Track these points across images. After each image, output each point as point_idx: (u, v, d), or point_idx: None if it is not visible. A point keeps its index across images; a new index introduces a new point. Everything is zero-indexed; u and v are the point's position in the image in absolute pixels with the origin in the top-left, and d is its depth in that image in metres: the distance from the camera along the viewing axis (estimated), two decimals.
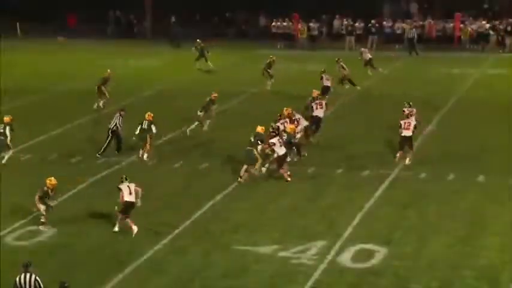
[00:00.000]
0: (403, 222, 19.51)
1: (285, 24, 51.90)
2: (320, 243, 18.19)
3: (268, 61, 36.26)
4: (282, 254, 17.75)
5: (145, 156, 24.97)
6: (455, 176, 22.93)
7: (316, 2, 53.97)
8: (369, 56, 39.00)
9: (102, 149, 25.34)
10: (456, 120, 28.83)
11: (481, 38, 48.59)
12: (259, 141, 23.08)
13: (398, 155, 24.28)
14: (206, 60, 40.36)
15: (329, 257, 17.49)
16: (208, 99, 28.08)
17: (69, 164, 24.67)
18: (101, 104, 32.02)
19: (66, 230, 19.25)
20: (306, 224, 19.51)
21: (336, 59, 35.45)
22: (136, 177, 23.05)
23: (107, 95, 32.13)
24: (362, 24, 50.35)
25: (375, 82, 36.96)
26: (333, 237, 18.55)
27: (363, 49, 40.66)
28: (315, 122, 26.49)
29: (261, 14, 55.62)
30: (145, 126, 25.00)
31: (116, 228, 19.21)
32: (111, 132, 25.40)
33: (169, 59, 45.16)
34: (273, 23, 52.36)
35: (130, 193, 19.13)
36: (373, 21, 50.43)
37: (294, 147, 24.21)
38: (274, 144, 22.83)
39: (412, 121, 24.12)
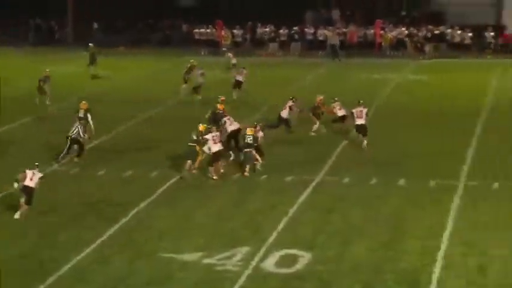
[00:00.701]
0: (326, 227, 19.75)
1: (208, 30, 52.01)
2: (245, 249, 18.27)
3: (188, 65, 36.34)
4: (207, 261, 17.76)
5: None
6: (377, 181, 23.32)
7: (239, 9, 54.28)
8: (235, 61, 40.01)
9: (62, 155, 25.21)
10: (377, 125, 29.30)
11: (400, 45, 49.58)
12: (200, 138, 23.72)
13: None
14: (91, 64, 39.99)
15: (253, 263, 17.59)
16: None
17: None
18: (47, 101, 32.94)
19: None
20: (231, 230, 19.58)
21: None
22: (60, 185, 22.97)
23: (48, 92, 33.06)
24: (286, 31, 50.84)
25: (298, 89, 37.30)
26: (257, 242, 18.66)
27: (230, 54, 41.54)
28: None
29: (184, 20, 55.60)
30: (81, 114, 26.43)
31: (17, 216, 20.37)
32: (71, 139, 25.17)
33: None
34: (196, 30, 52.42)
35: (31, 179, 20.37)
36: (295, 28, 50.96)
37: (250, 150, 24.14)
38: (207, 140, 23.34)
39: (364, 110, 26.86)
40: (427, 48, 48.88)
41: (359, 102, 27.52)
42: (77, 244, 18.60)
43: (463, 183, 23.01)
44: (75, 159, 25.44)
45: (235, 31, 51.69)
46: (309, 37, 51.17)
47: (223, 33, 51.02)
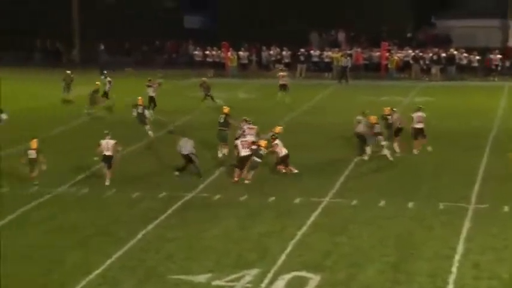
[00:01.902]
0: (335, 249, 19.65)
1: (214, 52, 52.18)
2: (254, 271, 18.19)
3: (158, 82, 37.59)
4: (216, 282, 17.68)
5: None
6: (386, 203, 23.24)
7: (245, 31, 54.51)
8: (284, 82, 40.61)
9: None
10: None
11: (407, 67, 49.64)
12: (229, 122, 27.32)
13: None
14: (66, 91, 39.99)
15: (263, 285, 17.49)
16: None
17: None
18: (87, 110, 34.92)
19: None
20: (240, 252, 19.50)
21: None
22: (69, 207, 22.96)
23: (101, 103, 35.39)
24: (288, 53, 50.98)
25: (303, 111, 37.36)
26: (266, 265, 18.57)
27: (280, 74, 41.63)
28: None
29: (190, 42, 55.83)
30: (140, 110, 31.05)
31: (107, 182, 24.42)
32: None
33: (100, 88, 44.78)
34: (201, 51, 52.60)
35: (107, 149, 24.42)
36: (302, 49, 51.10)
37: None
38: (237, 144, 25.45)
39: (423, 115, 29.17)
40: (434, 70, 48.93)
41: (419, 108, 29.50)
42: (86, 266, 18.53)
43: (473, 205, 22.92)
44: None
45: (241, 53, 51.84)
46: (315, 59, 51.31)
47: (229, 55, 51.15)
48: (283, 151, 26.23)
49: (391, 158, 27.67)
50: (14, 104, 37.54)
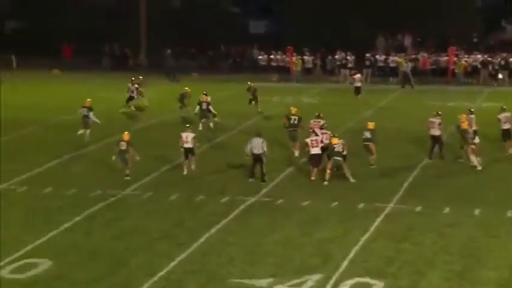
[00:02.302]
0: (399, 256, 19.44)
1: (278, 57, 52.21)
2: (316, 277, 18.11)
3: (182, 92, 37.27)
4: (278, 287, 17.65)
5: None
6: (450, 209, 22.92)
7: (311, 36, 54.41)
8: (359, 84, 41.57)
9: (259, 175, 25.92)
10: (452, 152, 28.79)
11: (474, 72, 48.90)
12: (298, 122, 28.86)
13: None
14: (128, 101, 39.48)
15: None
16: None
17: (64, 196, 24.59)
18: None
19: (62, 262, 19.14)
20: (302, 257, 19.44)
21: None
22: (133, 210, 23.22)
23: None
24: (353, 58, 50.67)
25: (370, 115, 37.08)
26: (329, 270, 18.47)
27: (354, 76, 42.31)
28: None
29: (255, 47, 55.97)
30: (204, 107, 33.90)
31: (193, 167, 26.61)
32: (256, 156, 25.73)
33: (165, 92, 45.27)
34: (266, 56, 52.70)
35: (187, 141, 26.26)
36: (367, 54, 50.79)
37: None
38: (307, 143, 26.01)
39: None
40: (501, 75, 48.09)
41: (502, 108, 29.80)
42: (150, 268, 18.70)
43: None
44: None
45: (305, 57, 51.76)
46: (380, 64, 50.94)
47: (293, 59, 51.12)
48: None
49: (479, 167, 27.23)
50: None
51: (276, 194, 24.72)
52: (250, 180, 26.04)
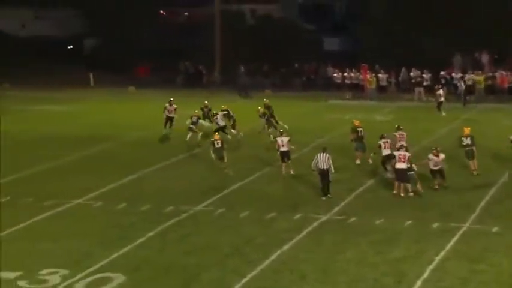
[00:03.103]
0: (474, 277, 19.03)
1: (352, 74, 51.96)
2: None
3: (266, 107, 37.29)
4: None
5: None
6: None
7: (386, 53, 54.04)
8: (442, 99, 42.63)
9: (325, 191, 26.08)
10: None
11: None
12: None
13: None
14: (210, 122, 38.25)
15: None
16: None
17: (138, 213, 24.83)
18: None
19: (135, 277, 19.30)
20: (375, 276, 19.20)
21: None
22: (204, 226, 23.30)
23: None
24: (429, 75, 50.03)
25: (444, 133, 36.55)
26: None
27: (437, 92, 43.03)
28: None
29: (329, 64, 55.85)
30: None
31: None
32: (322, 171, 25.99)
33: (238, 109, 45.43)
34: (340, 74, 52.50)
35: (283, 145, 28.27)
36: (442, 72, 50.11)
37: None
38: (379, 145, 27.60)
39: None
40: None
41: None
42: (221, 285, 18.73)
43: None
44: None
45: (380, 75, 51.38)
46: (455, 82, 50.16)
47: (368, 77, 50.80)
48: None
49: None
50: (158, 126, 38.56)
51: (349, 212, 24.52)
52: (323, 198, 25.92)
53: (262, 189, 27.37)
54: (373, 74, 50.97)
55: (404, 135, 29.68)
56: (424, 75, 50.14)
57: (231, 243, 21.77)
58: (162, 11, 77.77)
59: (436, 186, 26.57)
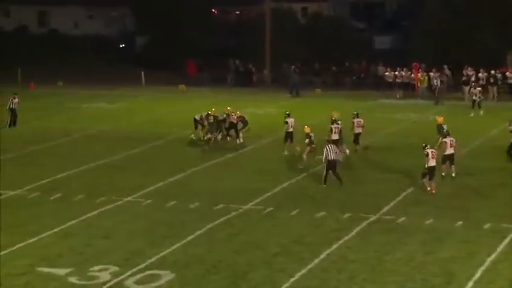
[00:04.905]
0: None
1: (403, 73, 51.50)
2: None
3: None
4: None
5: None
6: None
7: (438, 52, 53.53)
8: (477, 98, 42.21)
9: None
10: None
11: None
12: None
13: None
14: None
15: None
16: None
17: (188, 211, 24.97)
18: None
19: (184, 275, 19.41)
20: (424, 276, 19.06)
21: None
22: (254, 225, 23.34)
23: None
24: (485, 75, 49.33)
25: (496, 133, 36.07)
26: None
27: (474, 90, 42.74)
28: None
29: (380, 63, 55.48)
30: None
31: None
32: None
33: (288, 107, 45.41)
34: (392, 72, 52.10)
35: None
36: (493, 71, 49.40)
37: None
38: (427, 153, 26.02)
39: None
40: None
41: None
42: (269, 284, 18.73)
43: None
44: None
45: (431, 74, 50.85)
46: (510, 81, 49.42)
47: (419, 76, 50.32)
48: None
49: None
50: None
51: (398, 212, 24.36)
52: (324, 186, 26.75)
53: (311, 188, 27.30)
54: (425, 73, 50.47)
55: (454, 141, 28.40)
56: (480, 74, 49.41)
57: (280, 242, 21.77)
58: (213, 10, 78.14)
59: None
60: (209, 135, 33.92)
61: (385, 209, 24.73)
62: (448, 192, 26.37)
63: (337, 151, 27.44)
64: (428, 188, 26.11)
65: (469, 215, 23.86)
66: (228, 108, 35.28)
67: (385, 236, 22.16)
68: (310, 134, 29.78)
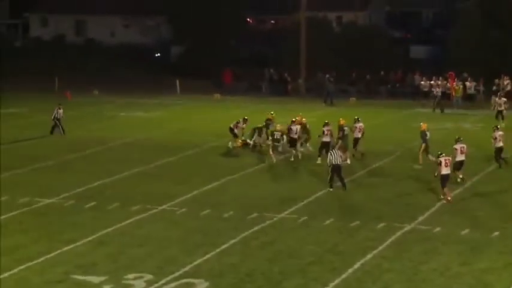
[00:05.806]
0: None
1: (439, 82, 51.20)
2: None
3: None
4: None
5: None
6: None
7: (474, 61, 53.16)
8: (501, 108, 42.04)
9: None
10: None
11: None
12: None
13: None
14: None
15: None
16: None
17: (222, 219, 25.00)
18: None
19: (218, 283, 19.42)
20: (460, 287, 18.92)
21: None
22: (288, 233, 23.31)
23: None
24: None
25: None
26: None
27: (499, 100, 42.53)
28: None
29: (417, 72, 55.24)
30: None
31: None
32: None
33: (323, 116, 45.34)
34: (428, 82, 51.82)
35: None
36: None
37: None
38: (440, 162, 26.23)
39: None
40: None
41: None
42: None
43: None
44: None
45: (467, 83, 50.51)
46: None
47: (454, 85, 50.00)
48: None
49: None
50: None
51: (433, 222, 24.19)
52: (331, 190, 27.56)
53: (345, 197, 27.23)
54: (460, 82, 50.13)
55: (465, 148, 28.67)
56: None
57: (314, 251, 21.72)
58: (249, 19, 78.37)
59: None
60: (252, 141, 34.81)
61: (420, 218, 24.58)
62: (484, 203, 26.13)
63: (341, 155, 28.18)
64: (449, 198, 26.16)
65: (506, 225, 23.61)
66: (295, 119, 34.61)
67: (420, 245, 22.01)
68: (344, 128, 30.41)
